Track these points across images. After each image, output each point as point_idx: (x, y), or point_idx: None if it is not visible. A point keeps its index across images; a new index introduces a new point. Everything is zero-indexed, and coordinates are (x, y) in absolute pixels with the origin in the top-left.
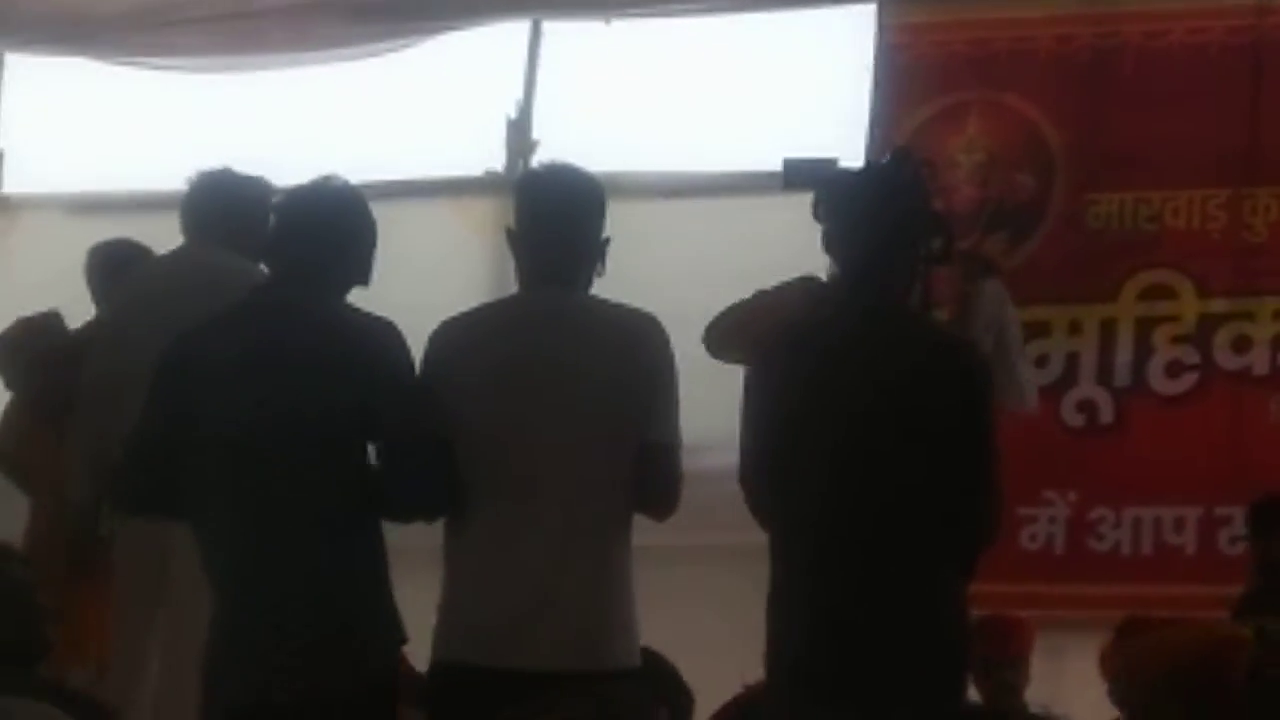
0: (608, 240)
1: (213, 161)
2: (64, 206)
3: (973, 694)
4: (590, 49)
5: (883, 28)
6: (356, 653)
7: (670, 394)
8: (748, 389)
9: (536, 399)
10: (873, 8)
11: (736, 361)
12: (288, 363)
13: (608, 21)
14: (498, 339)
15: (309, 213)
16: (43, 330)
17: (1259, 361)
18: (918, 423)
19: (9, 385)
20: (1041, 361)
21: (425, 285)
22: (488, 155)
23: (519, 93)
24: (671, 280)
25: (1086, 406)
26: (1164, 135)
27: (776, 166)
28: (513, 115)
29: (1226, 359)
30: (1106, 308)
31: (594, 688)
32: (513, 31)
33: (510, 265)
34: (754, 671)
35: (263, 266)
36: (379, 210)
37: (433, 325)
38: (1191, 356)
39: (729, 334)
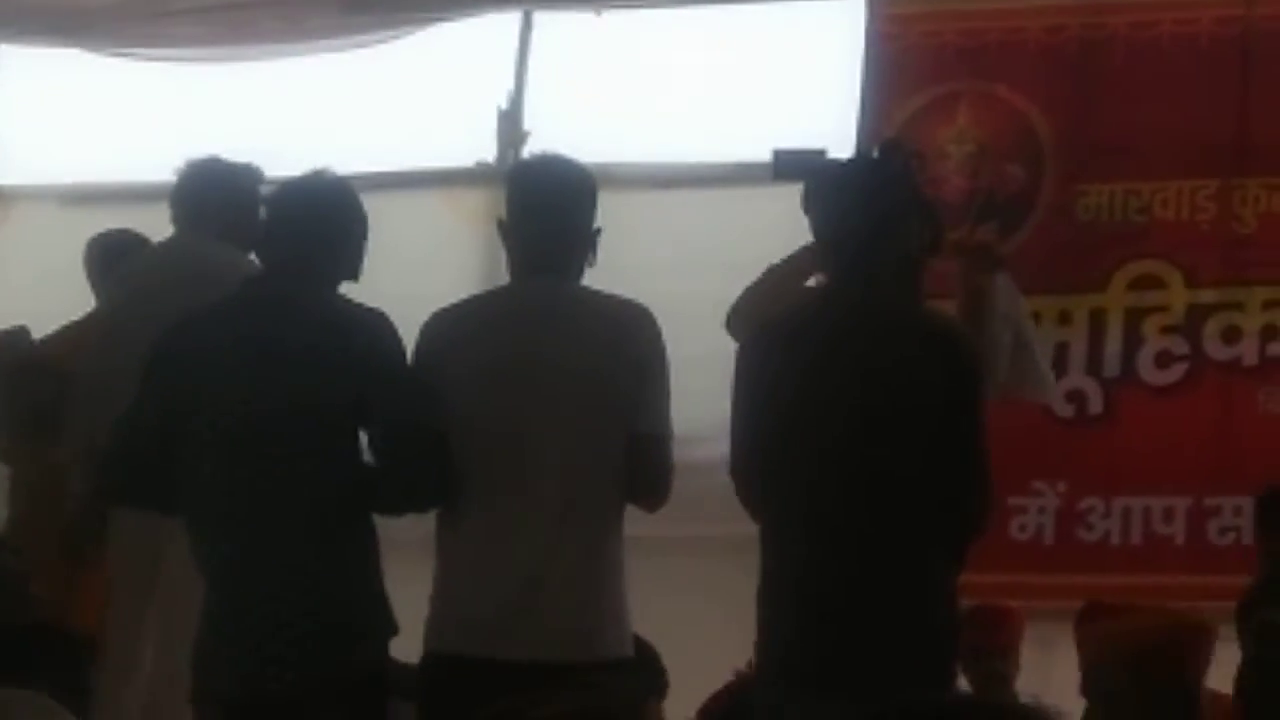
0: (599, 231)
1: (204, 152)
2: (59, 198)
3: (962, 683)
4: (581, 40)
5: (872, 18)
6: (347, 644)
7: (661, 385)
8: (738, 380)
9: (528, 391)
10: None
11: None
12: (280, 355)
13: (598, 13)
14: (489, 331)
15: (300, 206)
16: (8, 346)
17: (1248, 352)
18: (908, 413)
19: None
20: None
21: (416, 276)
22: (479, 146)
23: (510, 84)
24: (662, 271)
25: (1076, 397)
26: (1153, 126)
27: (766, 157)
28: (504, 106)
29: (1216, 349)
30: (1096, 298)
31: (587, 678)
32: (504, 22)
33: (501, 256)
34: (745, 660)
35: (253, 257)
36: (370, 201)
37: (423, 316)
38: (1181, 347)
39: (749, 318)
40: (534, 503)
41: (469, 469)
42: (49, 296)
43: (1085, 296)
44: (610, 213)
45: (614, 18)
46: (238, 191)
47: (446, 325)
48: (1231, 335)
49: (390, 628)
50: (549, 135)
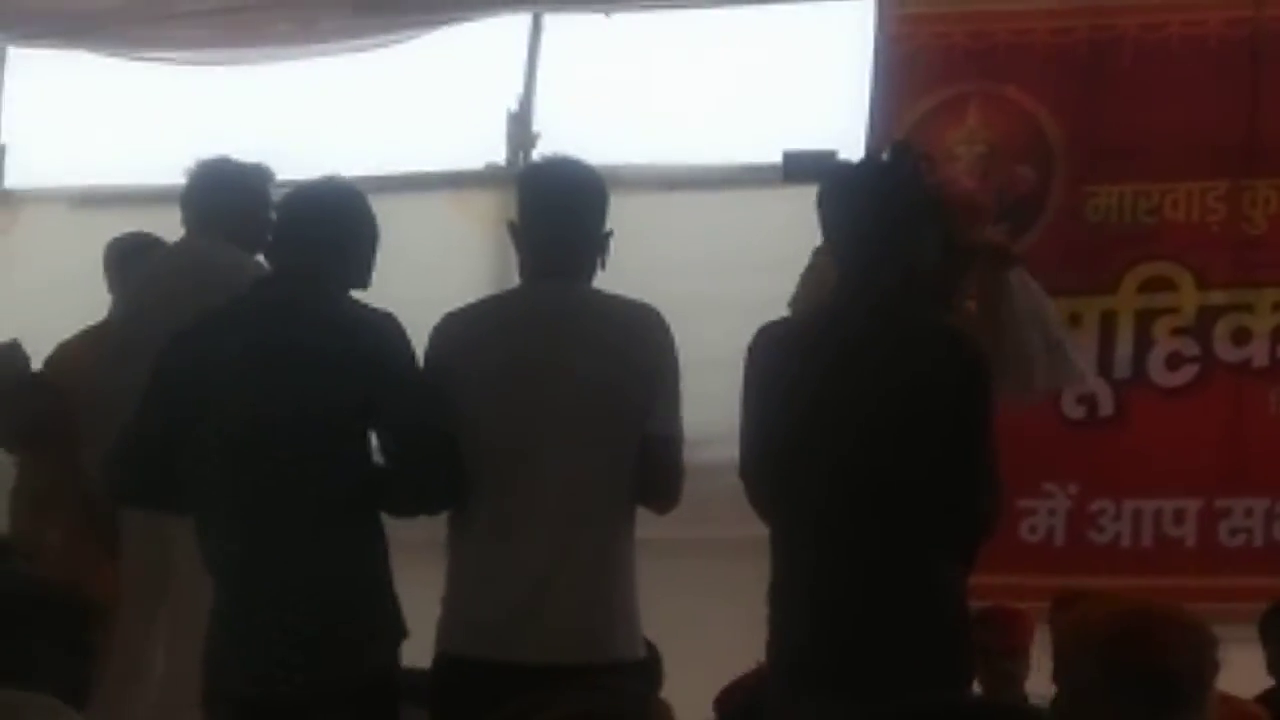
0: (610, 233)
1: (214, 153)
2: (67, 200)
3: (974, 685)
4: (591, 42)
5: (882, 19)
6: (357, 646)
7: (672, 387)
8: (749, 383)
9: (539, 393)
10: (872, 0)
11: None
12: (289, 357)
13: (608, 14)
14: (500, 334)
15: (310, 210)
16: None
17: (1259, 353)
18: (917, 417)
19: None
20: None
21: (426, 279)
22: (488, 148)
23: (520, 86)
24: (671, 273)
25: (1087, 399)
26: (1163, 128)
27: (776, 159)
28: (514, 108)
29: (1226, 351)
30: (1106, 300)
31: (597, 680)
32: (513, 24)
33: (511, 258)
34: (755, 661)
35: (262, 259)
36: (379, 203)
37: (433, 319)
38: (1191, 348)
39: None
40: (544, 505)
41: (479, 471)
42: (58, 299)
43: (1095, 298)
44: (620, 214)
45: (624, 20)
46: (247, 192)
47: (457, 328)
48: (1242, 337)
49: (400, 630)
50: (559, 137)
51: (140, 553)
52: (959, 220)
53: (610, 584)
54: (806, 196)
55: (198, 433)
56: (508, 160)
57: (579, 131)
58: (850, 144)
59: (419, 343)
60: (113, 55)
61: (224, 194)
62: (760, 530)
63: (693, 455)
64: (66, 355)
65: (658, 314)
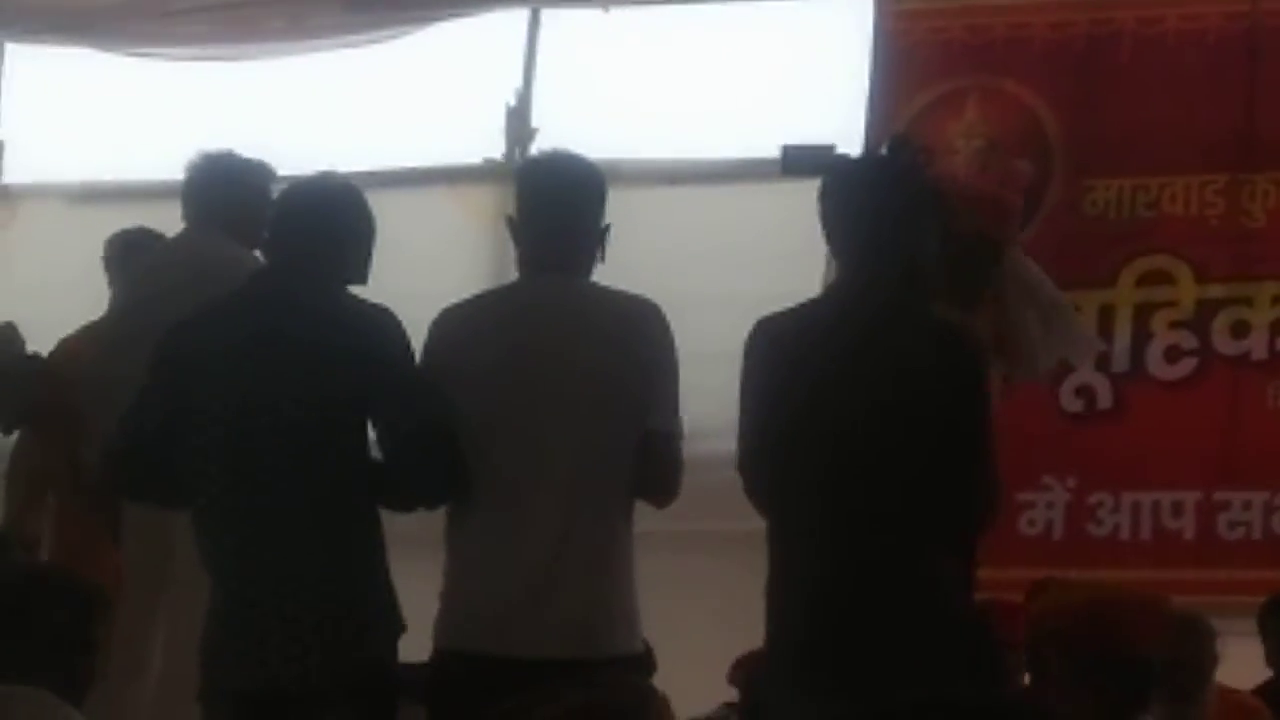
0: (608, 228)
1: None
2: (65, 196)
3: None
4: (589, 36)
5: (880, 14)
6: (354, 640)
7: (671, 381)
8: (746, 376)
9: (537, 388)
10: None
11: None
12: (286, 351)
13: (606, 8)
14: (499, 328)
15: (306, 204)
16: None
17: (1257, 346)
18: (917, 410)
19: None
20: None
21: (424, 273)
22: (487, 143)
23: (518, 80)
24: (670, 267)
25: (1085, 392)
26: (1161, 122)
27: (775, 153)
28: (512, 103)
29: (1225, 344)
30: (1105, 293)
31: (596, 675)
32: (511, 19)
33: (509, 253)
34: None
35: (257, 253)
36: (378, 198)
37: (431, 314)
38: (1190, 342)
39: None
40: (543, 499)
41: (478, 466)
42: (57, 294)
43: (1094, 292)
44: (619, 209)
45: (622, 14)
46: (247, 187)
47: (456, 322)
48: (1240, 330)
49: (398, 624)
50: (557, 132)
51: (140, 549)
52: (987, 222)
53: (609, 578)
54: (805, 191)
55: (194, 424)
56: (506, 155)
57: (577, 126)
58: (849, 138)
59: (417, 337)
60: (110, 51)
61: (222, 188)
62: (758, 524)
63: (690, 448)
64: (67, 350)
65: (656, 308)
